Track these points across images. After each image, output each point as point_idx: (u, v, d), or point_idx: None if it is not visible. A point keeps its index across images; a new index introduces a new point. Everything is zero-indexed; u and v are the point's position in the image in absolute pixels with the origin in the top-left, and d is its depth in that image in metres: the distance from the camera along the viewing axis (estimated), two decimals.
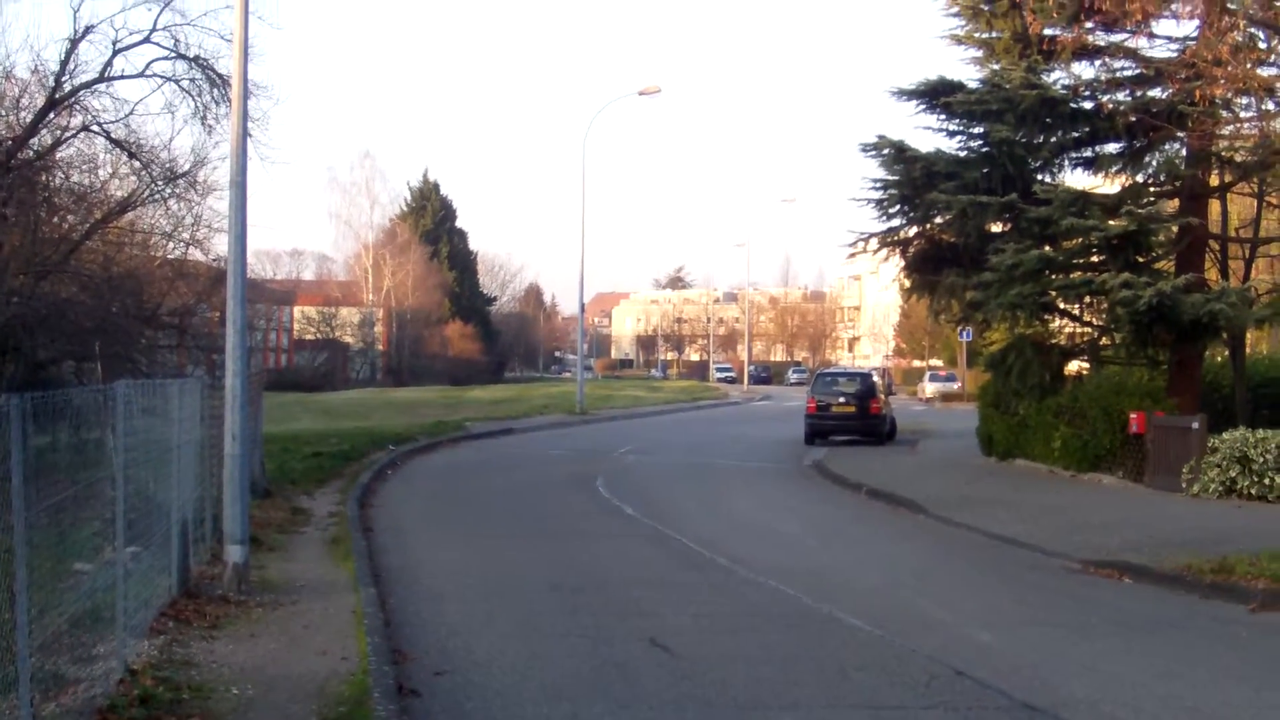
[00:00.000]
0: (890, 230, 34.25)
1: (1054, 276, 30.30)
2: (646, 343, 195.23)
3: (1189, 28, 29.20)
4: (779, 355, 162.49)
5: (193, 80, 34.25)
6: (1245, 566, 17.43)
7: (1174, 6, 26.66)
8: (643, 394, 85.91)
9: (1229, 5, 24.40)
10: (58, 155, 34.10)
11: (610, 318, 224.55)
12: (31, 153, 32.58)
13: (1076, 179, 34.13)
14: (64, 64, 32.39)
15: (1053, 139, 31.55)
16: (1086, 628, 14.89)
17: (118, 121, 33.98)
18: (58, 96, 32.47)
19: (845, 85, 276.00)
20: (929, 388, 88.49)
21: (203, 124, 34.81)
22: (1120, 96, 30.99)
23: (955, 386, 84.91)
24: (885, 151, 32.59)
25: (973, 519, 23.97)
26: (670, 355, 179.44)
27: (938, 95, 32.20)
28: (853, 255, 37.87)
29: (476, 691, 11.73)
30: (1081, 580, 18.45)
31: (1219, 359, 34.27)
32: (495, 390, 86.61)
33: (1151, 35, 30.59)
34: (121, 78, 34.04)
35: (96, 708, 9.95)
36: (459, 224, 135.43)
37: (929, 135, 57.70)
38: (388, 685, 11.33)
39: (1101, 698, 11.63)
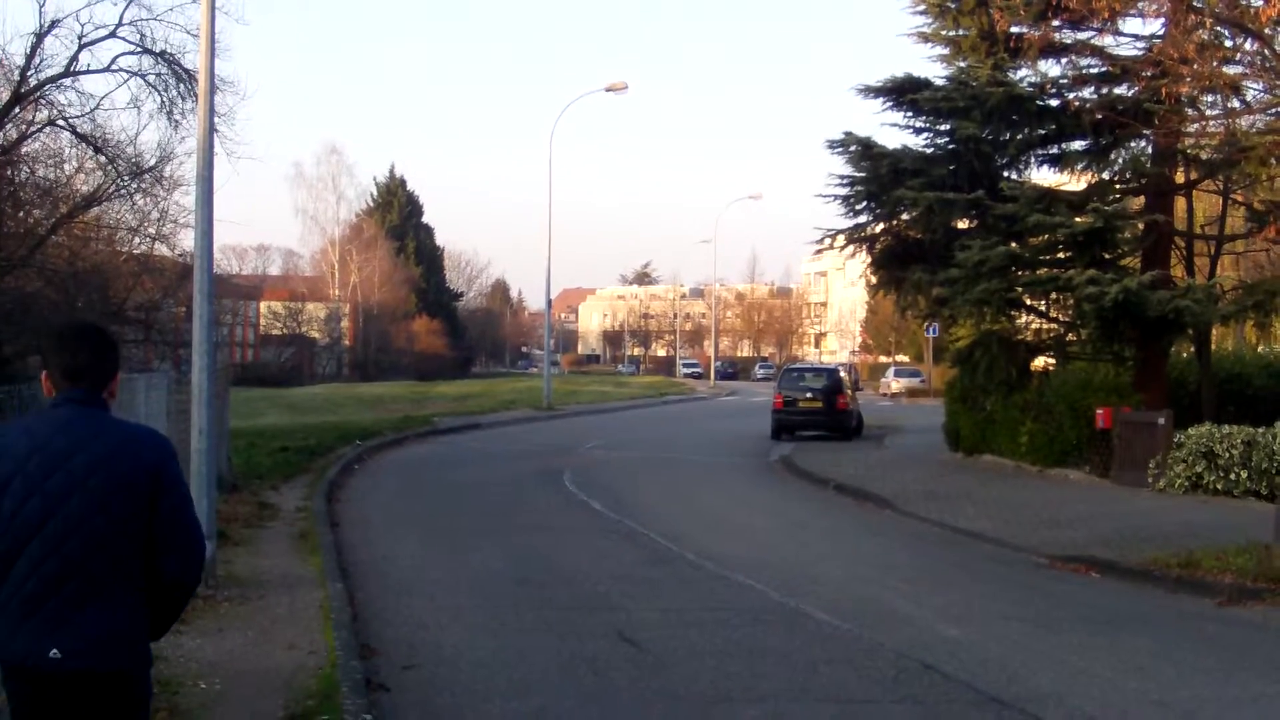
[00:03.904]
0: (857, 226, 34.35)
1: (1020, 273, 30.46)
2: (613, 338, 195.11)
3: (1155, 26, 29.34)
4: (746, 351, 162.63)
5: (159, 75, 34.13)
6: (1212, 561, 17.52)
7: (1140, 5, 26.75)
8: (609, 389, 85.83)
9: (1195, 4, 24.49)
10: (23, 150, 33.97)
11: (577, 313, 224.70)
12: None
13: (1043, 176, 34.49)
14: (29, 58, 32.24)
15: (1019, 136, 31.67)
16: (1054, 622, 14.94)
17: (84, 116, 33.85)
18: (23, 91, 32.33)
19: (812, 82, 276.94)
20: (893, 383, 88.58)
21: (169, 119, 34.70)
22: (1086, 94, 31.15)
23: (920, 382, 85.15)
24: (852, 148, 32.69)
25: (940, 514, 24.04)
26: (636, 351, 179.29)
27: (904, 92, 32.31)
28: (819, 251, 38.07)
29: (445, 686, 11.71)
30: (1049, 575, 18.52)
31: (1185, 355, 34.44)
32: (462, 385, 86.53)
33: (1118, 33, 30.76)
34: (87, 72, 33.91)
35: None
36: (425, 219, 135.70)
37: (896, 132, 57.70)
38: (356, 679, 11.28)
39: (1069, 692, 11.66)
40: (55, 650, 5.41)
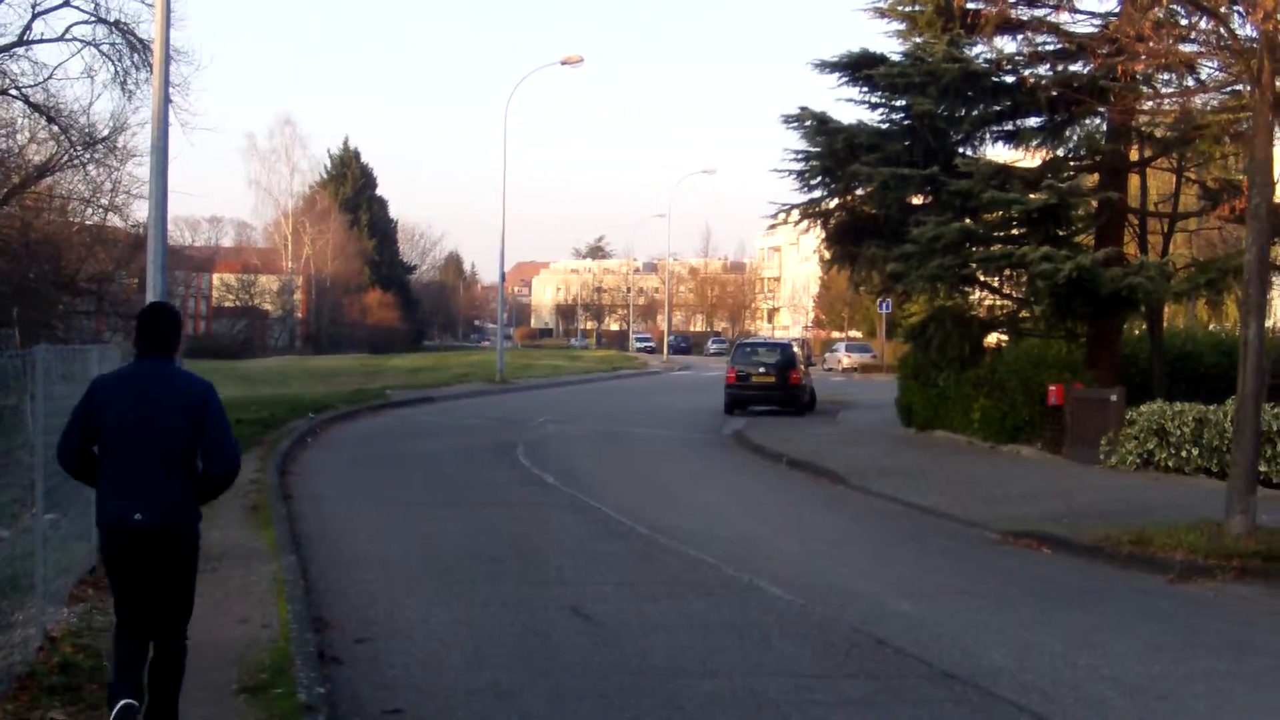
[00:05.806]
0: (812, 201, 34.36)
1: (974, 249, 30.48)
2: (566, 312, 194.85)
3: (1111, 3, 29.38)
4: (699, 325, 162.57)
5: (113, 45, 34.02)
6: (1163, 538, 17.61)
7: None
8: (562, 363, 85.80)
9: None
10: None
11: (530, 287, 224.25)
12: None
13: (998, 152, 34.34)
14: None
15: (974, 112, 31.65)
16: (1006, 598, 15.00)
17: (36, 85, 33.71)
18: None
19: (768, 57, 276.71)
20: (844, 358, 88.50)
21: (123, 89, 34.61)
22: (1042, 71, 31.13)
23: (870, 357, 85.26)
24: (807, 123, 32.67)
25: (893, 489, 24.09)
26: (590, 325, 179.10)
27: (860, 68, 32.27)
28: (774, 226, 37.98)
29: (399, 659, 11.68)
30: (1001, 551, 18.59)
31: (1137, 332, 34.55)
32: (415, 358, 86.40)
33: (1074, 10, 30.77)
34: (41, 41, 33.80)
35: (16, 675, 9.85)
36: (379, 192, 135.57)
37: (851, 107, 57.99)
38: (309, 653, 11.25)
39: (1021, 667, 11.71)
40: (138, 514, 8.32)
